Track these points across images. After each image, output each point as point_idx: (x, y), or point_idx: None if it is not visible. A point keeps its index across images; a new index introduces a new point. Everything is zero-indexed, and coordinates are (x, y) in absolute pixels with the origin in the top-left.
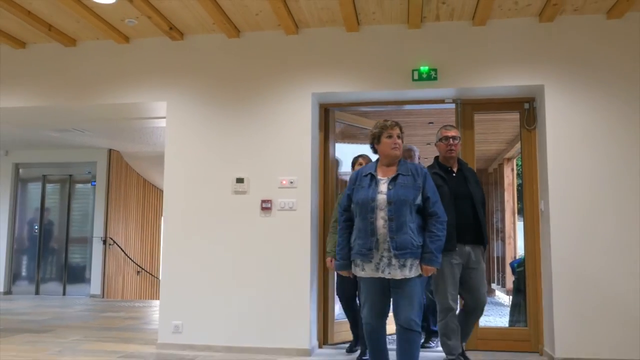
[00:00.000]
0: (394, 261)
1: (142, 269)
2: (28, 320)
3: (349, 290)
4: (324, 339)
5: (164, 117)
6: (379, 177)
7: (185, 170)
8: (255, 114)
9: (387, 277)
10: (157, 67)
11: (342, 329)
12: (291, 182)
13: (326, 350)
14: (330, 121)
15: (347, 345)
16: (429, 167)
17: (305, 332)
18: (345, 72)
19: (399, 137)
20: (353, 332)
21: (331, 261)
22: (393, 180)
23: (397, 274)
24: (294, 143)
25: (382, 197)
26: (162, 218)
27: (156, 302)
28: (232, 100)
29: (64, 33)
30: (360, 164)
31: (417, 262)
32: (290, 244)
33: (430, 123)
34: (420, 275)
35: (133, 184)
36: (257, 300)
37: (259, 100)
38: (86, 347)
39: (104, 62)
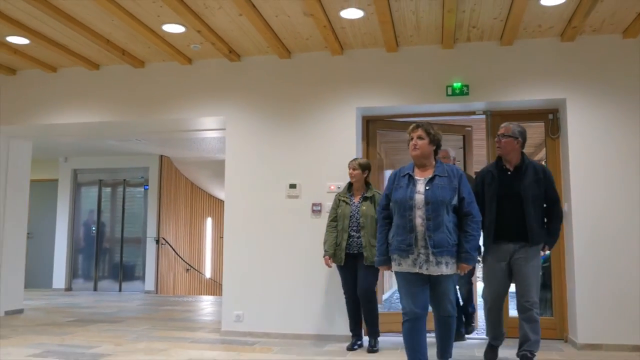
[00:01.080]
0: (431, 258)
1: (191, 266)
2: (97, 313)
3: (352, 287)
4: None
5: (213, 129)
6: (416, 177)
7: (243, 177)
8: (304, 126)
9: (424, 272)
10: (217, 85)
11: (382, 320)
12: (338, 187)
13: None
14: (371, 131)
15: (388, 334)
16: (489, 164)
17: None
18: (385, 88)
19: (419, 138)
20: (353, 330)
21: (329, 259)
22: (430, 181)
23: (435, 271)
24: (341, 152)
25: (419, 197)
26: (208, 219)
27: (205, 297)
28: (284, 114)
29: (135, 56)
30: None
31: (453, 259)
32: None
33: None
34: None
35: (182, 188)
36: (307, 292)
37: (308, 114)
38: (158, 335)
39: (169, 82)
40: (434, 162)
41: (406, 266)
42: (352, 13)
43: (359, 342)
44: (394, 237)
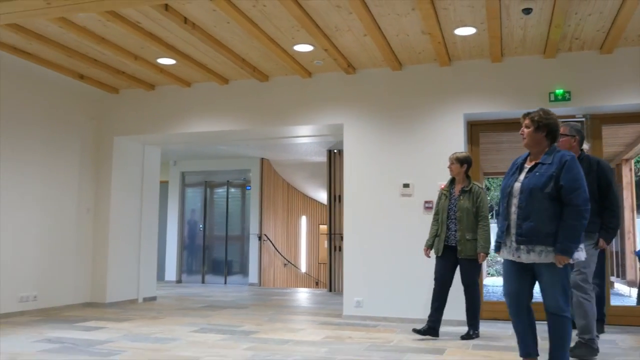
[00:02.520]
0: (522, 246)
1: (288, 261)
2: (218, 301)
3: (445, 276)
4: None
5: (309, 136)
6: (525, 165)
7: (361, 177)
8: (415, 130)
9: (517, 260)
10: (335, 96)
11: (490, 308)
12: None
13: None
14: (474, 134)
15: (491, 321)
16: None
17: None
18: (490, 96)
19: (526, 127)
20: (430, 315)
21: (427, 250)
22: (532, 168)
23: (527, 259)
24: (449, 153)
25: (517, 185)
26: (302, 217)
27: (304, 289)
28: (396, 120)
29: (262, 72)
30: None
31: (550, 248)
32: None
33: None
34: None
35: (279, 188)
36: (421, 280)
37: (418, 120)
38: (284, 317)
39: (290, 93)
40: (545, 149)
41: (505, 253)
42: (465, 31)
43: (429, 327)
44: (497, 224)
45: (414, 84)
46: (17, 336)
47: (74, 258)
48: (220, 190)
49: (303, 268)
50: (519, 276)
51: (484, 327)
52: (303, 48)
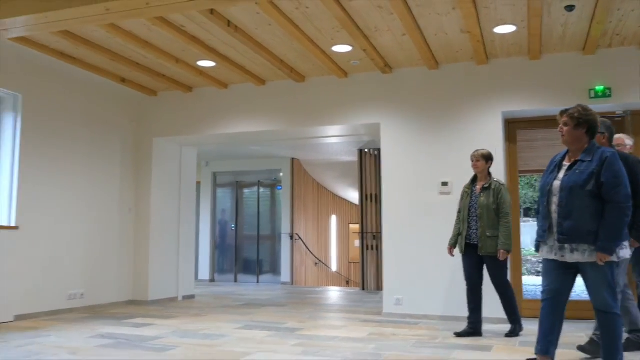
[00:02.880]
0: (566, 245)
1: (319, 260)
2: (256, 299)
3: (473, 275)
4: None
5: (344, 135)
6: (564, 163)
7: (399, 176)
8: (453, 129)
9: (559, 259)
10: (371, 95)
11: (532, 307)
12: None
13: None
14: (511, 132)
15: (533, 319)
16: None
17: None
18: (529, 93)
19: (564, 124)
20: (468, 317)
21: (450, 248)
22: (571, 166)
23: (570, 258)
24: None
25: (557, 183)
26: (332, 217)
27: (336, 288)
28: (433, 119)
29: (299, 73)
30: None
31: (594, 247)
32: None
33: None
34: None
35: (309, 188)
36: (462, 277)
37: (455, 118)
38: (324, 315)
39: (326, 94)
40: (585, 146)
41: (545, 252)
42: (505, 29)
43: (471, 330)
44: (537, 223)
45: (450, 83)
46: (70, 332)
47: (117, 257)
48: (251, 190)
49: (334, 267)
50: (562, 275)
51: (526, 325)
52: (341, 49)
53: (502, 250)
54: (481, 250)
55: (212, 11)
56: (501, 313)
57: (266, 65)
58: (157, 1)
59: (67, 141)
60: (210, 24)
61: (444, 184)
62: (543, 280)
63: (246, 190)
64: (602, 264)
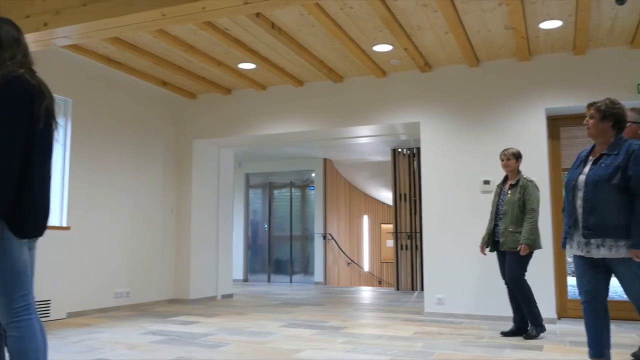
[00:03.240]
0: (592, 240)
1: (352, 260)
2: (293, 298)
3: (504, 273)
4: (561, 313)
5: (382, 135)
6: (590, 157)
7: (439, 175)
8: (494, 127)
9: (586, 255)
10: (410, 94)
11: (574, 306)
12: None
13: (566, 321)
14: (554, 129)
15: (579, 319)
16: None
17: (550, 304)
18: (573, 89)
19: (590, 117)
20: (516, 318)
21: (482, 247)
22: (597, 160)
23: (596, 254)
24: (531, 149)
25: (582, 178)
26: (364, 217)
27: (370, 288)
28: (474, 116)
29: (338, 73)
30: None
31: (622, 242)
32: None
33: None
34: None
35: (341, 188)
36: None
37: (497, 115)
38: (365, 314)
39: (365, 93)
40: (612, 140)
41: (573, 249)
42: (551, 24)
43: (516, 329)
44: (564, 219)
45: (492, 80)
46: (122, 328)
47: (160, 256)
48: (284, 191)
49: (366, 267)
50: (593, 273)
51: (572, 326)
52: (382, 48)
53: (523, 245)
54: (502, 246)
55: (257, 14)
56: (550, 312)
57: (305, 66)
58: (213, 5)
59: (113, 143)
60: (254, 26)
61: (486, 182)
62: (578, 282)
63: (278, 191)
64: (638, 260)
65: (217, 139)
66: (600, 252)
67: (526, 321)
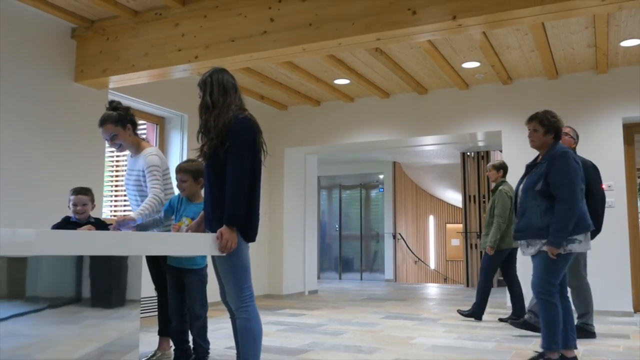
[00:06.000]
0: (521, 241)
1: (419, 259)
2: (373, 294)
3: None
4: (637, 307)
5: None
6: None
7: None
8: None
9: (524, 255)
10: (492, 104)
11: None
12: (609, 186)
13: None
14: (629, 136)
15: None
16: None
17: (627, 298)
18: None
19: (534, 130)
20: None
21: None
22: (532, 168)
23: (527, 252)
24: (609, 157)
25: (520, 187)
26: (430, 217)
27: (436, 285)
28: None
29: (423, 86)
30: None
31: (539, 242)
32: (609, 232)
33: None
34: (542, 253)
35: (409, 189)
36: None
37: (575, 124)
38: (451, 307)
39: (448, 104)
40: (548, 149)
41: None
42: (631, 42)
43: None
44: None
45: (570, 91)
46: None
47: (256, 255)
48: (354, 193)
49: (432, 265)
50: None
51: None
52: (471, 65)
53: (487, 247)
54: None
55: None
56: (625, 306)
57: (394, 80)
58: (349, 40)
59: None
60: (361, 49)
61: None
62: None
63: (348, 192)
64: (553, 257)
65: (305, 147)
66: (529, 251)
67: (522, 307)
